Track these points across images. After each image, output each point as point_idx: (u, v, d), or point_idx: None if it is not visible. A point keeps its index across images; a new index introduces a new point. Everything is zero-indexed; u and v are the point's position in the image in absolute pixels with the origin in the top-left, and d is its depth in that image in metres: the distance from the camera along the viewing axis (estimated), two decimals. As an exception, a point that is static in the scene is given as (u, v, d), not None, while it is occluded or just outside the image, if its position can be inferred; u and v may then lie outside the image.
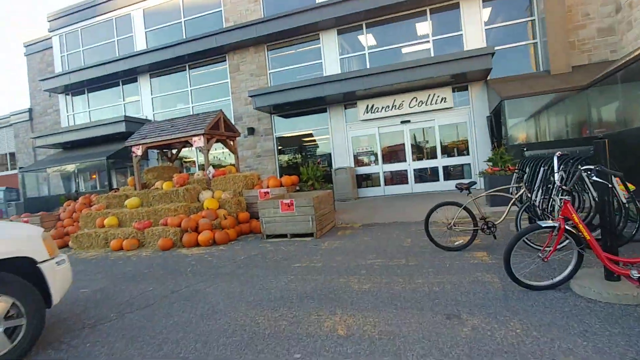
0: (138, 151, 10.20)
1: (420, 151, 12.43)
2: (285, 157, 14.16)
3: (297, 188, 9.26)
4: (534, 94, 9.72)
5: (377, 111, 12.39)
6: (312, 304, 3.73)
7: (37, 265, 3.25)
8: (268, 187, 9.01)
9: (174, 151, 11.86)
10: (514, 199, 5.25)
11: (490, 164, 8.74)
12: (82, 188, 16.71)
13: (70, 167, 15.46)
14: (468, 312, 3.24)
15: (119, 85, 16.60)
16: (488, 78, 11.59)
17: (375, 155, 12.71)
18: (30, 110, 19.41)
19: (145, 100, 15.91)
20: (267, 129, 13.85)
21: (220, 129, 10.12)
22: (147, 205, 9.28)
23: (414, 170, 12.35)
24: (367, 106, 12.48)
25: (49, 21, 17.66)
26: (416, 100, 12.00)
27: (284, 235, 7.32)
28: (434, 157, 12.18)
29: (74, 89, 17.25)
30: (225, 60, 14.66)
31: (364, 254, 5.53)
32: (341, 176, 12.07)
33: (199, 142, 9.45)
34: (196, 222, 7.72)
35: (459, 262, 4.72)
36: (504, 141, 10.06)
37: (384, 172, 12.62)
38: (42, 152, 18.64)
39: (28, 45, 19.66)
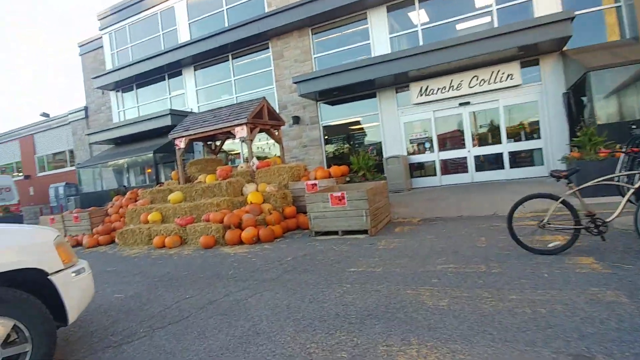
0: (181, 143, 9.88)
1: (482, 136, 11.10)
2: (332, 147, 13.38)
3: (347, 179, 8.45)
4: (630, 63, 8.11)
5: (432, 93, 11.20)
6: (377, 327, 2.92)
7: (49, 277, 2.71)
8: (316, 178, 8.28)
9: (218, 143, 11.48)
10: (633, 190, 4.06)
11: (576, 148, 7.37)
12: (133, 182, 17.03)
13: (121, 162, 15.74)
14: (605, 353, 2.28)
15: (164, 79, 16.62)
16: (564, 49, 10.00)
17: (430, 141, 11.55)
18: (85, 109, 20.16)
19: (190, 93, 15.78)
20: (312, 117, 13.13)
21: (263, 118, 9.53)
22: (190, 200, 8.93)
23: (475, 157, 11.06)
24: (421, 88, 11.33)
25: (99, 19, 18.08)
26: (477, 79, 10.67)
27: (335, 233, 6.56)
28: (498, 142, 10.81)
29: (124, 86, 17.56)
30: (268, 48, 14.08)
31: (430, 257, 4.62)
32: (393, 166, 11.08)
33: (241, 132, 8.91)
34: (239, 218, 7.17)
35: (560, 272, 3.68)
36: (589, 120, 8.55)
37: (440, 160, 11.44)
38: (97, 148, 19.30)
39: (82, 45, 20.37)
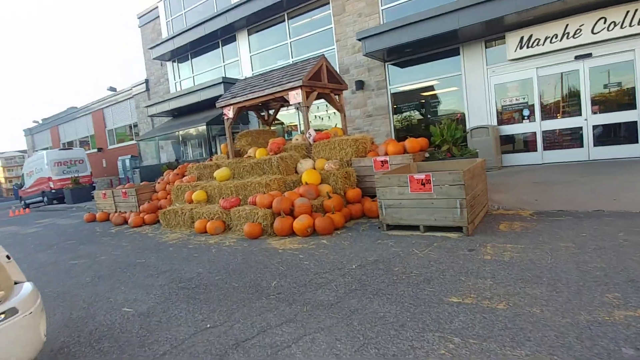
0: (229, 113, 8.67)
1: (606, 99, 8.49)
2: (401, 117, 11.45)
3: (427, 155, 6.64)
4: None
5: (536, 44, 8.73)
6: None
7: None
8: (386, 154, 6.60)
9: (272, 112, 10.14)
10: None
11: None
12: (191, 155, 16.54)
13: (177, 135, 15.21)
14: None
15: (218, 46, 15.58)
16: None
17: (530, 107, 9.16)
18: (146, 81, 20.01)
19: (244, 59, 14.57)
20: (379, 81, 11.23)
21: (322, 80, 7.93)
22: (238, 177, 7.74)
23: (594, 127, 8.53)
24: (521, 39, 8.89)
25: (154, -14, 17.38)
26: (604, 21, 8.00)
27: (414, 227, 4.91)
28: (631, 106, 8.17)
29: (179, 55, 16.87)
30: (328, 3, 12.25)
31: (588, 288, 2.82)
32: (480, 138, 8.97)
33: (296, 96, 7.41)
34: (291, 203, 5.78)
35: None
36: None
37: (543, 131, 9.05)
38: (158, 120, 19.16)
39: (140, 17, 20.01)
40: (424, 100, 11.07)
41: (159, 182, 9.62)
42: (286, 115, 13.93)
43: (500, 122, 9.61)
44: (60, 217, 12.58)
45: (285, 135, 13.76)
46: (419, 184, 4.69)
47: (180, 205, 7.69)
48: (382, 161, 6.50)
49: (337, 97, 8.55)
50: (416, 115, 11.25)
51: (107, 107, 23.51)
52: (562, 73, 8.73)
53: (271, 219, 5.81)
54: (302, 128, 12.24)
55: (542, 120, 9.04)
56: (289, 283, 3.69)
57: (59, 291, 4.44)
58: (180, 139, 15.83)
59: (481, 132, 8.99)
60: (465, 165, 5.43)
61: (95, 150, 24.58)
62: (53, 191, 18.69)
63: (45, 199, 19.66)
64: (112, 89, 22.25)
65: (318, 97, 8.71)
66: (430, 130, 6.81)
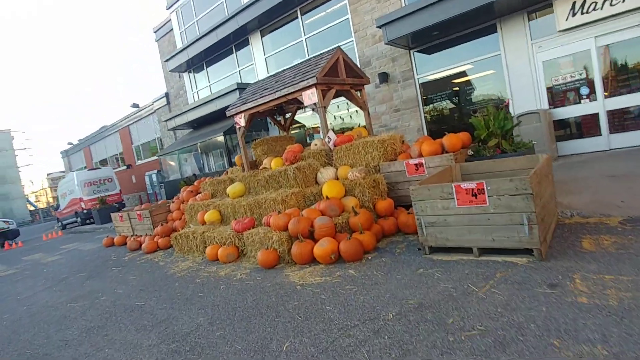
0: (241, 121, 7.87)
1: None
2: (432, 109, 10.25)
3: (470, 153, 5.51)
4: None
5: (593, 9, 7.33)
6: None
7: None
8: (421, 155, 5.54)
9: (289, 115, 9.27)
10: None
11: None
12: (213, 168, 16.02)
13: (195, 147, 14.70)
14: None
15: (232, 52, 14.93)
16: None
17: (590, 84, 7.75)
18: (166, 95, 19.78)
19: (259, 62, 13.82)
20: (405, 71, 10.10)
21: (340, 75, 6.95)
22: (253, 193, 6.92)
23: (673, 102, 7.03)
24: (574, 4, 7.51)
25: (165, -3, 17.03)
26: (680, -29, 6.53)
27: (466, 250, 3.84)
28: None
29: (194, 65, 16.41)
30: (346, -7, 11.23)
31: None
32: (529, 126, 7.66)
33: (311, 96, 6.48)
34: (310, 223, 4.85)
35: None
36: None
37: (608, 111, 7.62)
38: (180, 134, 18.86)
39: (156, 31, 19.82)
40: (457, 89, 9.83)
41: (173, 201, 8.99)
42: (308, 117, 13.05)
43: (552, 104, 8.24)
44: (86, 240, 12.32)
45: (307, 139, 12.88)
46: (468, 196, 3.63)
47: (192, 227, 6.95)
48: (416, 164, 5.44)
49: (358, 93, 7.54)
50: (449, 105, 10.03)
51: (132, 123, 23.62)
52: (629, 40, 7.27)
53: (288, 243, 4.91)
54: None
55: (605, 98, 7.61)
56: (305, 345, 2.76)
57: (40, 353, 3.73)
58: (200, 151, 15.31)
59: (531, 118, 7.69)
60: (524, 164, 4.30)
61: (125, 167, 24.80)
62: (85, 211, 18.78)
63: (79, 219, 19.87)
64: (135, 105, 22.26)
65: (337, 95, 7.76)
66: (471, 122, 5.67)
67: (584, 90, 7.81)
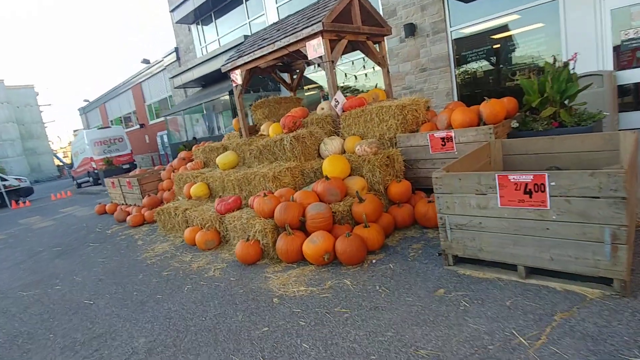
0: (237, 77, 6.71)
1: None
2: (465, 70, 8.74)
3: (515, 125, 4.23)
4: None
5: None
6: None
7: None
8: (450, 125, 4.31)
9: (296, 74, 8.00)
10: None
11: None
12: (223, 131, 15.03)
13: (200, 107, 13.66)
14: None
15: (242, 1, 13.43)
16: None
17: (669, 40, 6.12)
18: (176, 50, 18.53)
19: (271, 13, 12.34)
20: (436, 23, 8.53)
21: (354, 22, 5.61)
22: (247, 165, 5.91)
23: None
24: None
25: (172, -62, 15.42)
26: None
27: (507, 266, 2.72)
28: None
29: (202, 16, 15.02)
30: None
31: None
32: (589, 91, 6.17)
33: (316, 47, 5.22)
34: (302, 211, 3.81)
35: None
36: None
37: (692, 76, 6.03)
38: (191, 92, 17.83)
39: (166, -23, 18.30)
40: (498, 45, 8.23)
41: (165, 169, 8.11)
42: (322, 76, 11.69)
43: (619, 65, 6.66)
44: (86, 204, 11.80)
45: (322, 99, 11.59)
46: (519, 192, 2.46)
47: (177, 202, 6.06)
48: (443, 138, 4.23)
49: (377, 46, 6.19)
50: (487, 66, 8.49)
51: (144, 80, 22.68)
52: None
53: (274, 234, 3.91)
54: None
55: (691, 58, 5.99)
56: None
57: (-53, 366, 2.97)
58: (204, 112, 14.28)
59: (592, 81, 6.19)
60: (597, 145, 3.07)
61: (138, 126, 24.20)
62: (96, 171, 18.41)
63: (91, 179, 19.58)
64: (145, 61, 21.21)
65: (351, 49, 6.46)
66: (520, 83, 4.33)
67: (664, 48, 6.19)
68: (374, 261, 3.42)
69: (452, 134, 4.15)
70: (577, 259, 2.34)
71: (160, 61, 19.96)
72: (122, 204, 8.40)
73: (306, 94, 12.95)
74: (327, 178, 4.11)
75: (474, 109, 4.22)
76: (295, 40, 5.37)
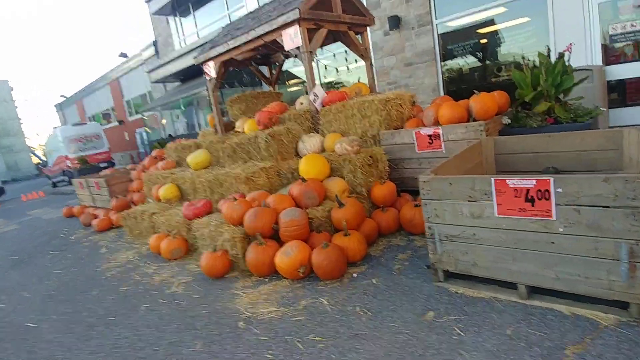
0: (210, 70, 6.26)
1: None
2: (452, 65, 8.43)
3: (506, 121, 3.90)
4: None
5: None
6: None
7: None
8: (437, 122, 3.97)
9: (275, 68, 7.57)
10: None
11: None
12: (201, 128, 14.47)
13: (179, 103, 13.09)
14: None
15: (222, -9, 12.88)
16: None
17: (660, 33, 5.91)
18: (155, 43, 17.80)
19: (251, 3, 11.82)
20: (421, 15, 8.19)
21: (335, 10, 5.21)
22: (222, 164, 5.47)
23: None
24: None
25: None
26: None
27: (505, 284, 2.38)
28: None
29: (180, 7, 14.36)
30: None
31: None
32: (578, 86, 5.93)
33: (293, 37, 4.81)
34: (274, 217, 3.41)
35: None
36: None
37: (684, 70, 5.83)
38: (171, 87, 17.16)
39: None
40: (485, 40, 7.94)
41: (135, 169, 7.59)
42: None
43: (608, 60, 6.44)
44: (56, 205, 11.14)
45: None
46: (519, 200, 2.12)
47: (145, 205, 5.58)
48: (430, 135, 3.88)
49: (359, 37, 5.81)
50: (473, 62, 8.20)
51: (122, 75, 21.84)
52: None
53: (244, 244, 3.50)
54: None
55: (683, 51, 5.79)
56: None
57: None
58: (183, 108, 13.71)
59: (581, 76, 5.94)
60: (598, 143, 2.76)
61: (117, 123, 23.34)
62: (71, 170, 17.61)
63: (67, 177, 18.75)
64: (123, 54, 20.39)
65: (332, 40, 6.06)
66: (513, 77, 4.01)
67: (655, 41, 5.97)
68: (355, 275, 3.05)
69: (440, 131, 3.80)
70: (588, 279, 2.01)
71: (139, 55, 19.17)
72: (91, 207, 7.85)
73: (289, 89, 12.51)
74: (303, 180, 3.71)
75: (462, 104, 3.88)
76: (270, 29, 4.94)
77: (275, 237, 3.44)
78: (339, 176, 3.99)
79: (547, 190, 2.01)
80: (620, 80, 6.44)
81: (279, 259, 3.11)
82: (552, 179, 1.99)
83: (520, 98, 3.92)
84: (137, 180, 7.08)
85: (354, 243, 3.20)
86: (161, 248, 4.25)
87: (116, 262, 4.62)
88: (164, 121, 17.60)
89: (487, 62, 8.09)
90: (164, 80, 15.09)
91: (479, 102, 3.70)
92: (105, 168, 16.94)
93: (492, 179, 2.18)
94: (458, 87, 8.34)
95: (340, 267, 3.01)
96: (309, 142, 4.61)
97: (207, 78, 6.40)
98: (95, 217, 6.94)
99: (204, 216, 4.24)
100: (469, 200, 2.31)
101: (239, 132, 5.86)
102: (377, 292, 2.72)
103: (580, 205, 1.94)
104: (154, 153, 7.45)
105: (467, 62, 8.32)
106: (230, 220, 3.63)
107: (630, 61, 6.30)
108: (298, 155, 4.78)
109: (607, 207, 1.86)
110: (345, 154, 3.98)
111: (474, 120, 3.76)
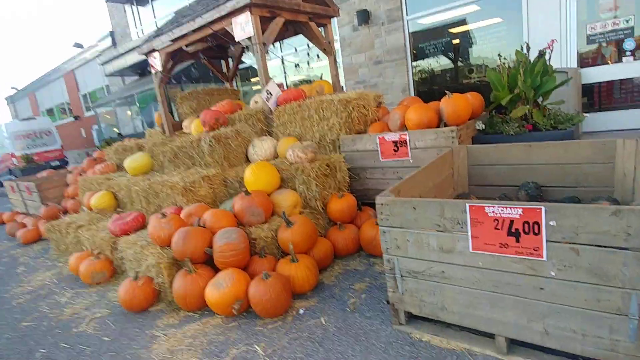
0: (155, 62, 5.56)
1: None
2: (423, 65, 8.05)
3: (480, 127, 3.46)
4: None
5: None
6: None
7: None
8: (404, 126, 3.49)
9: (232, 60, 6.91)
10: None
11: None
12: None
13: (134, 99, 12.16)
14: None
15: (183, -21, 12.04)
16: None
17: (638, 38, 5.71)
18: (112, 33, 16.62)
19: (213, -6, 11.09)
20: (391, 10, 7.75)
21: (292, -1, 4.64)
22: (165, 170, 4.79)
23: None
24: None
25: None
26: None
27: (479, 333, 1.91)
28: None
29: (137, -6, 13.40)
30: None
31: None
32: (554, 91, 5.64)
33: (244, 26, 4.22)
34: (208, 239, 2.82)
35: None
36: None
37: (655, 74, 5.66)
38: (130, 81, 16.06)
39: (99, -49, 16.32)
40: (457, 40, 7.60)
41: (71, 172, 6.75)
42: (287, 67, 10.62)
43: (582, 63, 6.21)
44: (-8, 209, 10.00)
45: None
46: (500, 232, 1.64)
47: (73, 217, 4.82)
48: (395, 142, 3.40)
49: (322, 29, 5.27)
50: (445, 62, 7.85)
51: (77, 67, 20.40)
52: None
53: (171, 271, 2.89)
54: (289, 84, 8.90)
55: (655, 55, 5.60)
56: None
57: None
58: (138, 104, 12.78)
59: (562, 78, 5.66)
60: (586, 155, 2.35)
61: (72, 118, 21.82)
62: (20, 169, 16.20)
63: (14, 177, 17.25)
64: (78, 45, 19.00)
65: (294, 32, 5.50)
66: (488, 77, 3.59)
67: (629, 45, 5.76)
68: (301, 311, 2.52)
69: (407, 137, 3.32)
70: (585, 337, 1.55)
71: (95, 46, 17.87)
72: (23, 213, 6.94)
73: (254, 87, 11.84)
74: (247, 193, 3.13)
75: (432, 106, 3.41)
76: (219, 15, 4.33)
77: (211, 262, 2.85)
78: (290, 188, 3.44)
79: (537, 223, 1.54)
80: (594, 83, 6.24)
81: (209, 292, 2.53)
82: (543, 209, 1.52)
83: (495, 101, 3.50)
84: (74, 184, 6.26)
85: (303, 271, 2.66)
86: (80, 271, 3.56)
87: (30, 285, 3.89)
88: (128, 113, 16.44)
89: (459, 62, 7.76)
90: (121, 74, 14.06)
91: (451, 104, 3.24)
92: (57, 167, 15.70)
93: (467, 204, 1.69)
94: (429, 88, 7.97)
95: (283, 302, 2.46)
96: (260, 147, 4.03)
97: (153, 71, 5.69)
98: (24, 226, 6.08)
99: (134, 233, 3.59)
100: (437, 230, 1.82)
101: (186, 133, 5.20)
102: (325, 336, 2.19)
103: (580, 244, 1.48)
104: (95, 154, 6.64)
105: (438, 62, 7.96)
106: (157, 241, 3.01)
107: (608, 63, 6.10)
108: (249, 161, 4.20)
109: (616, 248, 1.41)
110: (298, 162, 3.43)
111: (445, 125, 3.30)
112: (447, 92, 3.34)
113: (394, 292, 2.09)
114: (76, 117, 21.69)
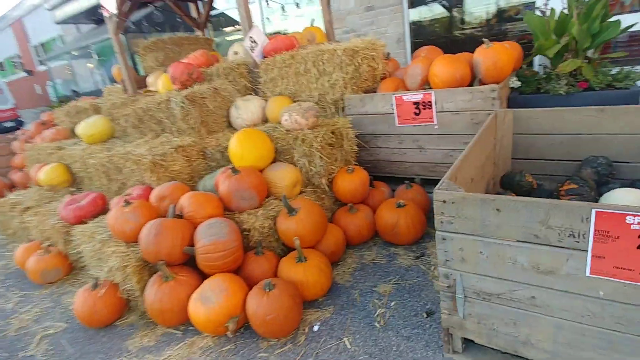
0: (110, 4, 4.53)
1: None
2: (421, 13, 7.19)
3: (515, 84, 2.84)
4: None
5: None
6: None
7: None
8: (426, 82, 2.82)
9: (202, 3, 5.85)
10: None
11: None
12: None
13: (90, 51, 10.76)
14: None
15: None
16: None
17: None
18: (62, -26, 14.55)
19: None
20: (386, -52, 6.75)
21: None
22: (128, 138, 3.98)
23: None
24: None
25: None
26: None
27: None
28: None
29: None
30: None
31: None
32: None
33: (218, -44, 3.29)
34: (189, 235, 2.17)
35: None
36: None
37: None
38: (86, 30, 14.30)
39: None
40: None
41: (17, 138, 5.78)
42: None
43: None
44: None
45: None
46: (647, 254, 1.08)
47: (20, 194, 4.02)
48: (417, 103, 2.74)
49: (313, -37, 4.36)
50: (441, 11, 7.00)
51: (25, 15, 18.08)
52: None
53: (142, 275, 2.25)
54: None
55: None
56: None
57: None
58: (98, 57, 11.36)
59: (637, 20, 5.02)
60: None
61: (24, 73, 19.69)
62: (-34, 132, 14.57)
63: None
64: (22, -13, 16.70)
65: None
66: (525, 21, 2.93)
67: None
68: (315, 327, 1.97)
69: (432, 97, 2.67)
70: None
71: (42, -11, 15.71)
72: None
73: (228, 38, 10.62)
74: (234, 171, 2.45)
75: (463, 59, 2.74)
76: (185, -61, 3.37)
77: (193, 262, 2.22)
78: (287, 161, 2.77)
79: None
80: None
81: (194, 308, 1.93)
82: None
83: (536, 52, 2.86)
84: (21, 154, 5.33)
85: (314, 274, 2.08)
86: (27, 268, 2.86)
87: (-36, 285, 3.17)
88: (90, 66, 14.81)
89: (463, 12, 6.95)
90: (75, 21, 12.36)
91: (491, 56, 2.57)
92: (10, 130, 14.20)
93: (593, 209, 1.10)
94: (426, 38, 7.19)
95: (293, 318, 1.90)
96: (245, 109, 3.29)
97: (106, 14, 4.66)
98: (-35, 203, 5.17)
99: (91, 219, 2.88)
100: (533, 243, 1.24)
101: (151, 91, 4.34)
102: (353, 369, 1.66)
103: None
104: (44, 117, 5.65)
105: (436, 12, 7.11)
106: (120, 236, 2.34)
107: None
108: (231, 126, 3.46)
109: None
110: (297, 128, 2.75)
111: (481, 82, 2.66)
112: (485, 40, 2.66)
113: (450, 315, 1.54)
114: (29, 72, 19.59)
